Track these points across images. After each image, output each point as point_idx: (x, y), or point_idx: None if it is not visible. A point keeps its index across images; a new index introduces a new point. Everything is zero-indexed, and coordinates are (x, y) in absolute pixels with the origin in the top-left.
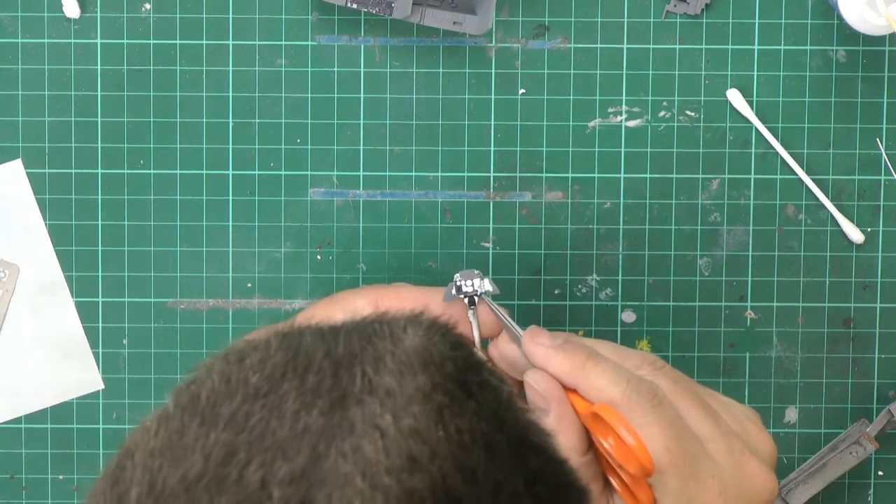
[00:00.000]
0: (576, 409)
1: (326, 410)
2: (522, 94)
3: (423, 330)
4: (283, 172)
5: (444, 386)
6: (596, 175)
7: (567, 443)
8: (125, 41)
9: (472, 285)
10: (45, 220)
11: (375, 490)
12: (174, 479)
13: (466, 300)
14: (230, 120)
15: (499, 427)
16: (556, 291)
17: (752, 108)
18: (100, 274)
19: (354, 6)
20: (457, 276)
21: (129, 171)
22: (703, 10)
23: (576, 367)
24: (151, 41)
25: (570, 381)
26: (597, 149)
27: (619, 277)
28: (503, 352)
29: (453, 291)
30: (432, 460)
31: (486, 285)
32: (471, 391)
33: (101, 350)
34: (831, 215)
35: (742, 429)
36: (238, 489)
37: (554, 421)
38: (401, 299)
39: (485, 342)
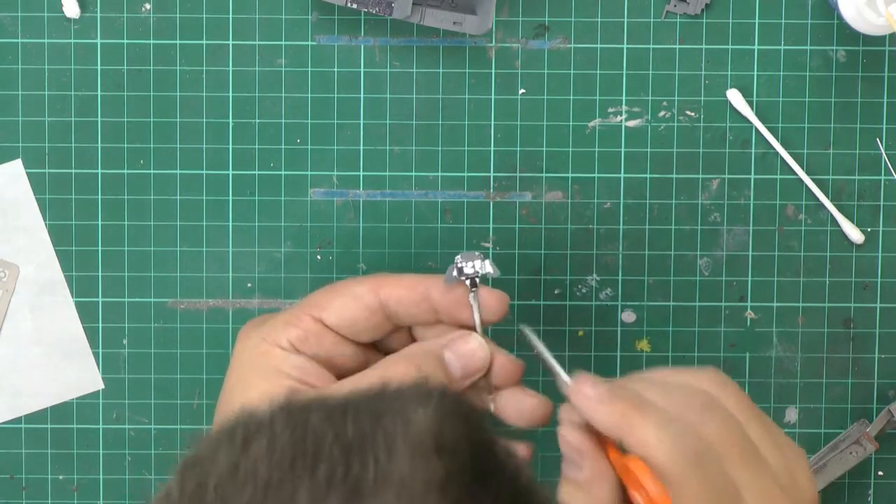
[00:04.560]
0: (610, 457)
1: (340, 503)
2: (522, 94)
3: (432, 408)
4: (283, 172)
5: (459, 477)
6: (596, 175)
7: (601, 499)
8: (125, 41)
9: (474, 267)
10: (45, 220)
11: None
12: None
13: (468, 282)
14: (230, 120)
15: None
16: (556, 291)
17: (752, 108)
18: (100, 274)
19: (354, 6)
20: (457, 258)
21: (129, 171)
22: (703, 10)
23: (621, 420)
24: (151, 41)
25: (614, 433)
26: (597, 149)
27: (619, 277)
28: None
29: (454, 273)
30: None
31: (487, 267)
32: (486, 481)
33: (101, 350)
34: (831, 215)
35: (786, 470)
36: None
37: (586, 477)
38: (400, 286)
39: (485, 328)
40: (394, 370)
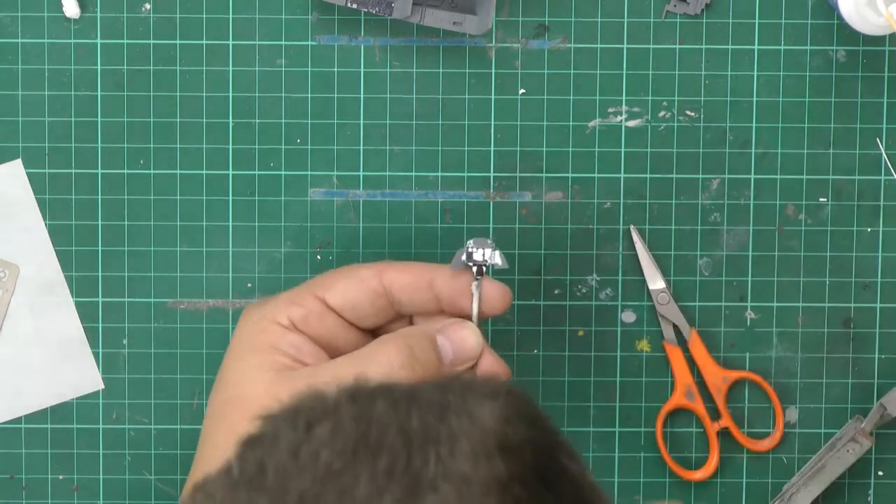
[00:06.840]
0: None
1: (399, 496)
2: (522, 94)
3: (499, 406)
4: (283, 172)
5: (523, 476)
6: (596, 175)
7: None
8: (125, 41)
9: (483, 255)
10: (45, 220)
11: None
12: None
13: (475, 269)
14: (230, 120)
15: None
16: (556, 291)
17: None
18: (100, 274)
19: (354, 6)
20: (469, 243)
21: (129, 171)
22: (703, 10)
23: None
24: (151, 41)
25: None
26: (597, 149)
27: (619, 277)
28: None
29: (463, 257)
30: None
31: (497, 258)
32: (550, 483)
33: (101, 350)
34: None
35: None
36: None
37: None
38: (405, 272)
39: (485, 321)
40: (384, 349)
